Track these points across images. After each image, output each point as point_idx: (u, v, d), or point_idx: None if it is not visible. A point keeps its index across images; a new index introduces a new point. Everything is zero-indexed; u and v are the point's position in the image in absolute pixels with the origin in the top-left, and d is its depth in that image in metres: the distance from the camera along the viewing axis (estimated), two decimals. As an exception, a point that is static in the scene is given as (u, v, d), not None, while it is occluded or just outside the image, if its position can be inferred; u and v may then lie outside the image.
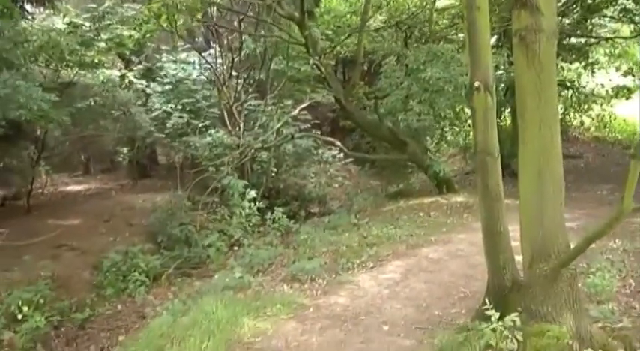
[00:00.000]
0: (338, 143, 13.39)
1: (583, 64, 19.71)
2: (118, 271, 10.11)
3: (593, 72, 20.25)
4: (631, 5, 17.04)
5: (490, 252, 5.94)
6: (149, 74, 16.26)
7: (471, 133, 20.75)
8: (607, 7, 16.76)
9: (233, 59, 14.74)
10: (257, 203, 11.59)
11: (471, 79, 5.61)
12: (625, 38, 19.25)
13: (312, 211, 15.52)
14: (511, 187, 14.21)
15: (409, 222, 10.90)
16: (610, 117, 22.31)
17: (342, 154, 14.24)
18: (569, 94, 21.29)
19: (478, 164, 5.75)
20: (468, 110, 15.68)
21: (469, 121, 18.32)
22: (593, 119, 22.47)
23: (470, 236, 9.56)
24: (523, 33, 4.94)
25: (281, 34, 13.23)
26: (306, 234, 10.67)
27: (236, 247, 10.88)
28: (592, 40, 19.04)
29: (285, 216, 11.59)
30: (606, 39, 19.04)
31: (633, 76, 21.65)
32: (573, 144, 22.01)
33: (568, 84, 20.32)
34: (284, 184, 15.37)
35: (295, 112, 12.49)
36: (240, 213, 11.11)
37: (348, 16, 17.39)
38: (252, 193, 11.55)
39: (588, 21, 17.45)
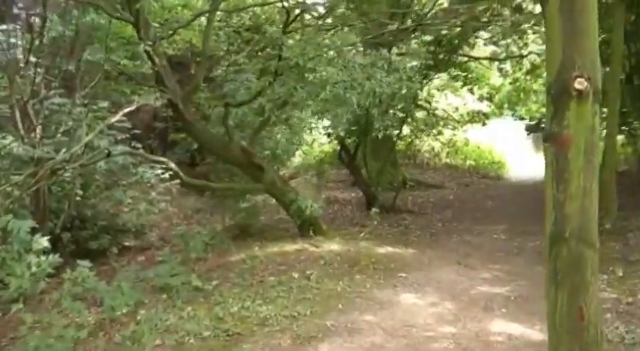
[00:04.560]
0: (173, 165, 9.70)
1: (461, 83, 17.66)
2: None
3: (471, 91, 18.32)
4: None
5: None
6: None
7: (324, 147, 18.34)
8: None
9: (32, 41, 10.63)
10: (49, 256, 7.56)
11: (562, 69, 2.53)
12: (500, 60, 17.47)
13: (127, 243, 11.85)
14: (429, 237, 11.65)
15: (282, 289, 7.40)
16: (464, 143, 20.48)
17: (167, 174, 10.58)
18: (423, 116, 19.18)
19: (564, 262, 2.65)
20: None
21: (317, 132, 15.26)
22: (444, 144, 20.54)
23: (381, 318, 6.46)
24: None
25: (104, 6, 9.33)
26: (126, 305, 6.96)
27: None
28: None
29: (92, 273, 7.69)
30: (477, 58, 17.17)
31: (490, 101, 20.16)
32: (425, 170, 20.06)
33: (424, 104, 18.17)
34: (93, 210, 11.59)
35: (117, 117, 8.65)
36: (23, 273, 7.10)
37: (179, 8, 14.09)
38: (43, 241, 7.47)
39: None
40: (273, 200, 11.44)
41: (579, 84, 2.46)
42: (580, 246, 2.57)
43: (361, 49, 10.76)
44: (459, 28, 13.47)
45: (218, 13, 11.52)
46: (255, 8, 13.88)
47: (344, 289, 7.49)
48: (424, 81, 13.70)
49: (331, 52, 8.49)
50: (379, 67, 8.36)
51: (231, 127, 10.39)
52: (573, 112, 2.49)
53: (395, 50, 12.81)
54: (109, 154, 9.02)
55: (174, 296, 7.43)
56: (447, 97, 19.91)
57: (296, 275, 7.95)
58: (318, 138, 13.06)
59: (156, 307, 7.03)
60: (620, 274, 8.02)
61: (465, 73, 17.64)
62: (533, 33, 16.67)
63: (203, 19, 11.82)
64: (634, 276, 7.89)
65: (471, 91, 19.45)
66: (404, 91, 8.76)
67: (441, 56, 13.83)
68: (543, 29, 16.14)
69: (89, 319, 6.93)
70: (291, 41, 9.26)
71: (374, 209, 11.10)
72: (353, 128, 12.55)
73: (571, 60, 2.49)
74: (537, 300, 7.13)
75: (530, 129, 26.43)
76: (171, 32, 10.33)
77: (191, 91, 9.89)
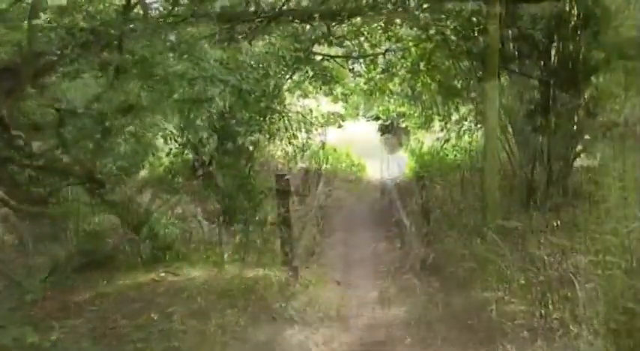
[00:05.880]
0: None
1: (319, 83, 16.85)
2: None
3: (327, 92, 17.54)
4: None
5: None
6: None
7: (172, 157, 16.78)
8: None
9: None
10: None
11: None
12: (355, 58, 16.80)
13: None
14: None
15: (140, 336, 5.93)
16: (320, 146, 19.69)
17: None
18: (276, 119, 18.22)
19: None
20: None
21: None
22: (299, 148, 19.61)
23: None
24: None
25: None
26: None
27: None
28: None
29: None
30: (332, 57, 16.41)
31: (345, 102, 19.55)
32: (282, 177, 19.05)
33: (276, 106, 17.19)
34: None
35: None
36: None
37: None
38: None
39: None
40: (118, 220, 9.97)
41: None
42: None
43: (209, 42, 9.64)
44: (315, 24, 12.57)
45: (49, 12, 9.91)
46: (90, 8, 12.31)
47: (216, 329, 6.20)
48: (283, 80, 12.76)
49: (183, 45, 7.16)
50: (241, 61, 7.19)
51: (68, 138, 8.83)
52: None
53: (247, 45, 11.83)
54: None
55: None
56: (298, 99, 19.06)
57: (155, 316, 6.53)
58: (173, 146, 11.67)
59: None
60: (523, 282, 7.38)
61: (324, 73, 16.83)
62: (386, 31, 16.15)
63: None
64: (535, 283, 7.21)
65: (327, 92, 18.71)
66: (271, 89, 7.64)
67: (300, 53, 12.86)
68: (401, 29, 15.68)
69: None
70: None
71: (239, 224, 9.90)
72: (210, 133, 11.33)
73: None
74: (441, 321, 6.36)
75: (383, 130, 26.34)
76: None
77: (16, 98, 8.20)
